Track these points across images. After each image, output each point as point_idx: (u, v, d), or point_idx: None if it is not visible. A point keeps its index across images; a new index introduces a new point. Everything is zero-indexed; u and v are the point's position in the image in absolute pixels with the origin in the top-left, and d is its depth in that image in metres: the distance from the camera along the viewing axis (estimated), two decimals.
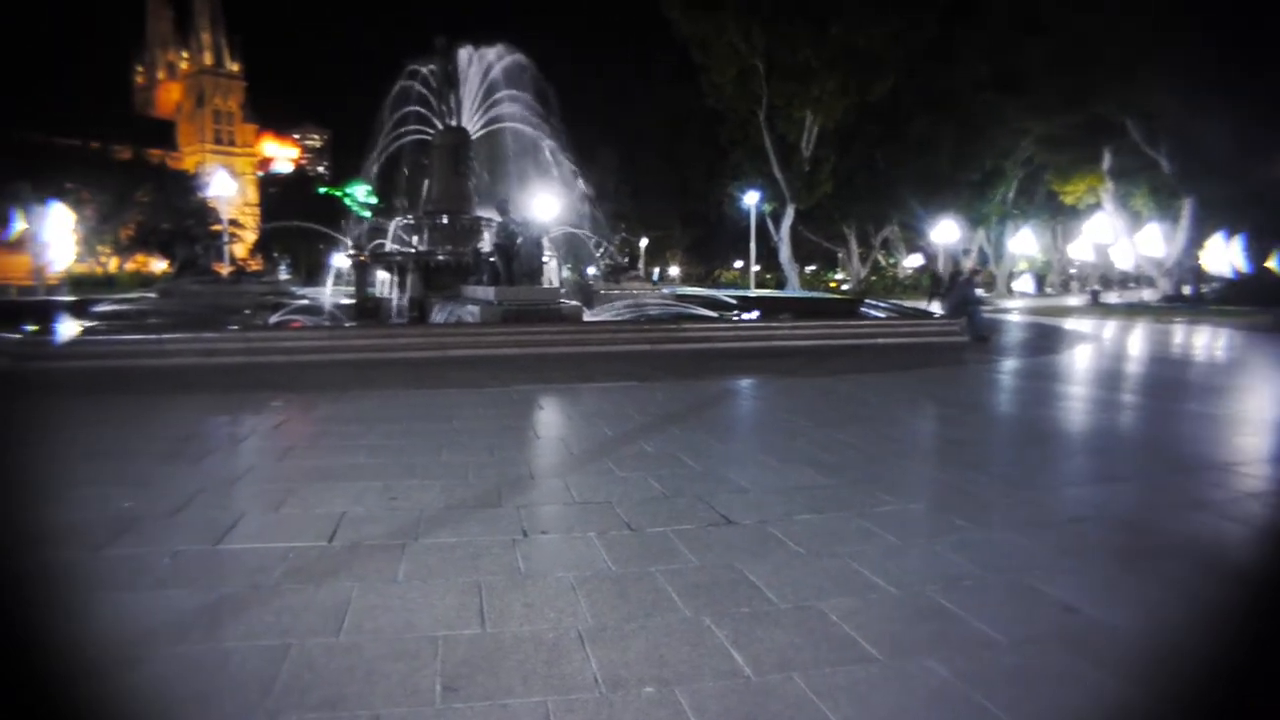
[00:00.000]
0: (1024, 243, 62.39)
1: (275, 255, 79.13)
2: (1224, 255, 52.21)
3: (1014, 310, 35.07)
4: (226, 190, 53.64)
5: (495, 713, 2.54)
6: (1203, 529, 4.50)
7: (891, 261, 73.40)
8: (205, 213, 66.42)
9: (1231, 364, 14.94)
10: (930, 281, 40.28)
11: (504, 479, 5.35)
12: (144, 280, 51.33)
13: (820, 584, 3.59)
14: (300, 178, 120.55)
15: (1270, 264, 48.18)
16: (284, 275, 63.02)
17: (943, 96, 47.50)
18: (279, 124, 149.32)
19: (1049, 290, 64.64)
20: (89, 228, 61.88)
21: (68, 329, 14.00)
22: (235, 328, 14.63)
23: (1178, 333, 22.54)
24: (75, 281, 51.33)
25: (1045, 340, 18.52)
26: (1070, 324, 25.26)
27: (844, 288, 64.36)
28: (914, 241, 65.45)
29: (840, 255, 70.10)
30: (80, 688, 2.69)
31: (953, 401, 9.71)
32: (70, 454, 6.11)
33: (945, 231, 51.55)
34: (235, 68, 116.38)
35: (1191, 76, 32.61)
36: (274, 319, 17.34)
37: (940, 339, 16.54)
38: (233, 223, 62.80)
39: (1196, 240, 44.67)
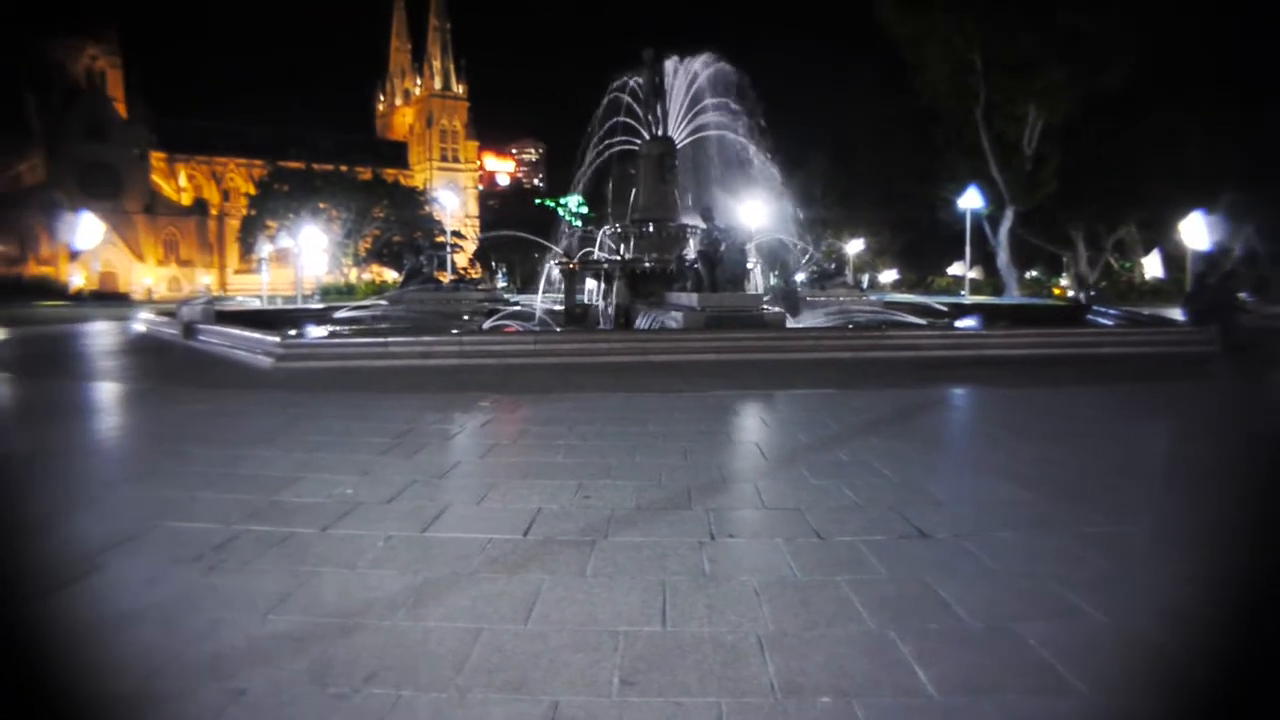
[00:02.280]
0: None
1: (493, 264, 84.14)
2: None
3: None
4: (450, 204, 57.70)
5: (669, 709, 2.58)
6: None
7: (1126, 265, 67.32)
8: (431, 225, 71.95)
9: None
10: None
11: (695, 482, 5.40)
12: (378, 288, 56.21)
13: (1017, 606, 3.38)
14: (516, 190, 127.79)
15: None
16: (500, 283, 66.96)
17: (1190, 81, 42.75)
18: (497, 140, 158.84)
19: None
20: (335, 242, 68.48)
21: (311, 334, 15.61)
22: (454, 332, 15.67)
23: None
24: (324, 290, 57.06)
25: None
26: None
27: (1070, 294, 59.69)
28: (1154, 242, 59.55)
29: (1065, 259, 65.12)
30: (304, 648, 3.00)
31: (1184, 416, 8.70)
32: (305, 443, 6.80)
33: (1193, 230, 46.27)
34: (460, 89, 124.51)
35: None
36: (488, 324, 18.42)
37: (1182, 349, 14.91)
38: (455, 234, 67.28)
39: None
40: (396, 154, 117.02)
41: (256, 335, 14.26)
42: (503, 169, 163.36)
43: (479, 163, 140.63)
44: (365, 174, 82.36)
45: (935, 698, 2.65)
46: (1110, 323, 19.04)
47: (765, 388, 10.29)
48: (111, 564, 3.90)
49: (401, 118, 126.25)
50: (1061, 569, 3.77)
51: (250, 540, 4.21)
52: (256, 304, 40.59)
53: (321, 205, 69.57)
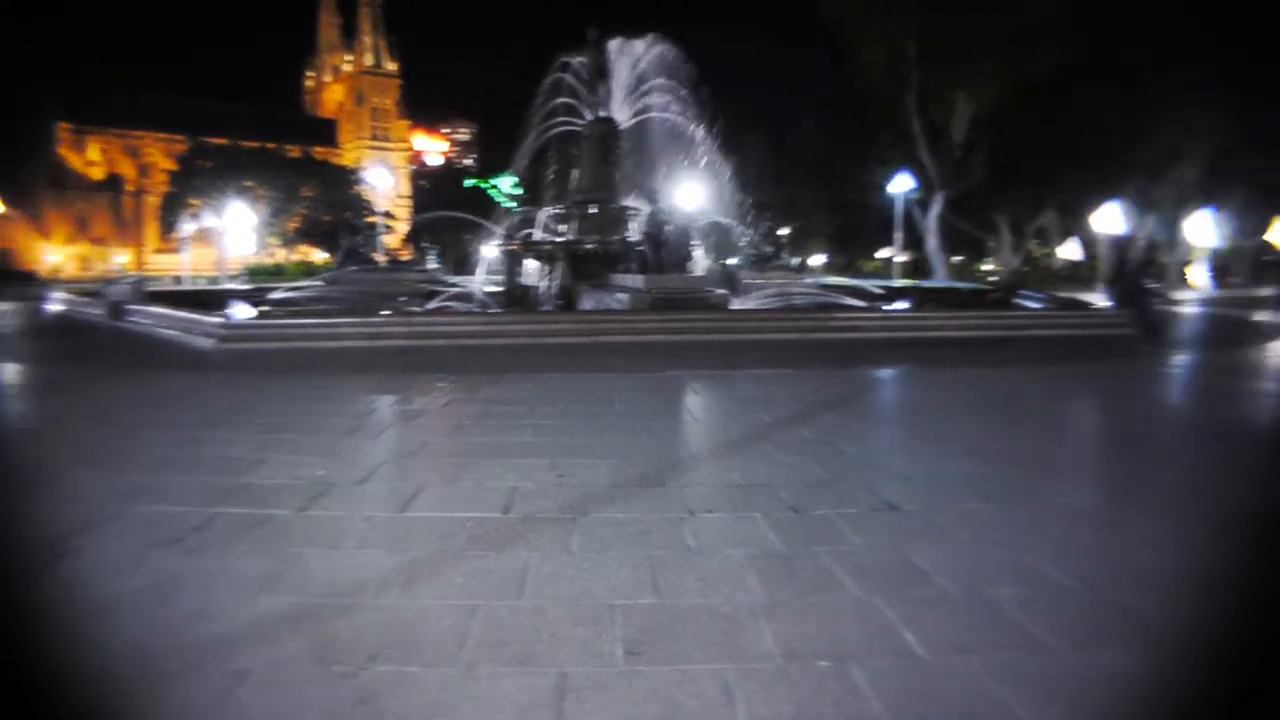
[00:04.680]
0: (1203, 229, 57.60)
1: (425, 245, 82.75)
2: None
3: (1191, 301, 32.66)
4: (382, 183, 56.50)
5: (676, 677, 2.65)
6: None
7: (1047, 250, 69.51)
8: (362, 205, 70.38)
9: None
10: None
11: (666, 460, 5.49)
12: (308, 269, 54.90)
13: (990, 572, 3.54)
14: (449, 170, 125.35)
15: None
16: (433, 265, 65.86)
17: (1111, 73, 44.27)
18: (430, 119, 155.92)
19: (1235, 279, 59.58)
20: (263, 222, 66.47)
21: (253, 315, 15.22)
22: (391, 313, 15.45)
23: None
24: (251, 271, 55.40)
25: (1226, 334, 17.19)
26: (1259, 317, 23.21)
27: (994, 278, 61.41)
28: (1072, 229, 61.68)
29: (990, 244, 66.94)
30: (299, 628, 2.99)
31: (1118, 394, 9.22)
32: (266, 425, 6.67)
33: (1109, 218, 48.22)
34: (392, 67, 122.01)
35: None
36: (429, 306, 18.19)
37: (1104, 331, 15.57)
38: (387, 214, 65.96)
39: None
40: (326, 132, 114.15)
41: (195, 315, 13.85)
42: (435, 149, 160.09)
43: (410, 142, 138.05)
44: (294, 152, 79.86)
45: (925, 658, 2.78)
46: (1037, 306, 19.70)
47: (720, 368, 10.42)
48: (85, 549, 3.81)
49: (331, 95, 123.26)
50: (1028, 538, 3.96)
51: (228, 522, 4.15)
52: (181, 284, 39.27)
53: (248, 183, 67.23)
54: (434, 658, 2.79)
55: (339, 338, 12.47)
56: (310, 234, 72.43)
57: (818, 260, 79.31)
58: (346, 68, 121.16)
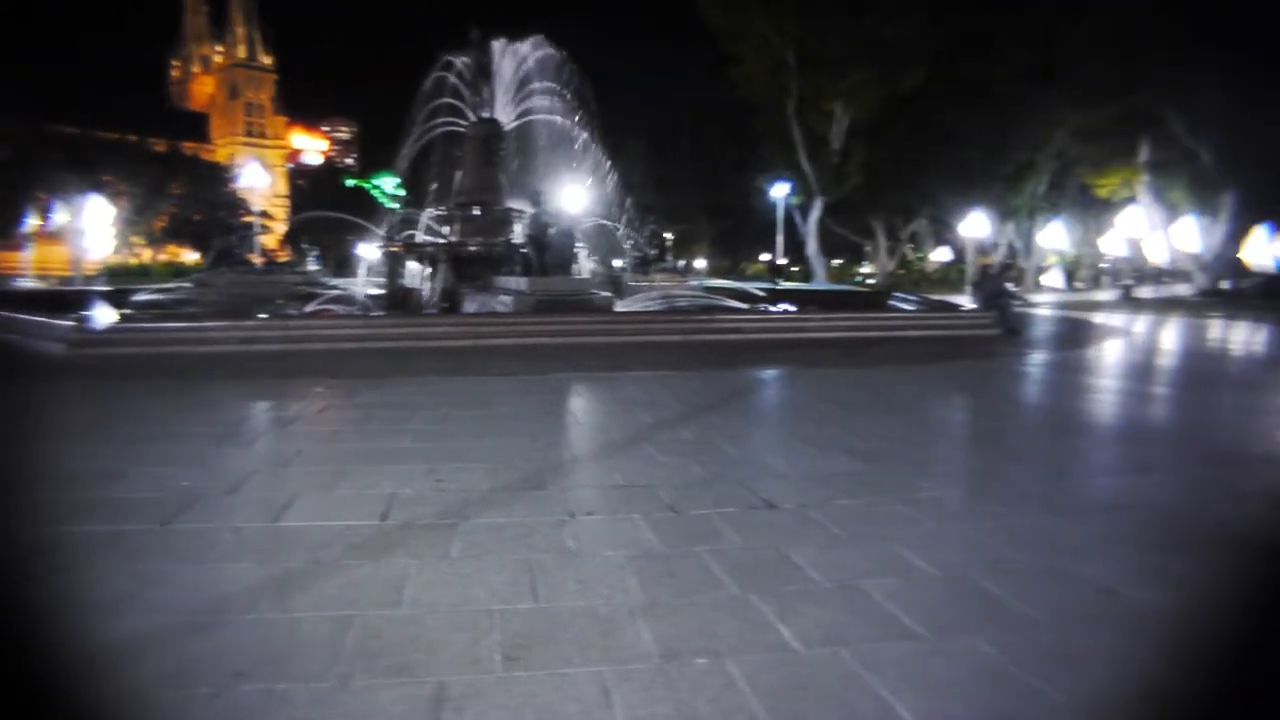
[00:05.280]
0: (1054, 237, 61.48)
1: (304, 246, 79.87)
2: (1266, 249, 51.13)
3: (1044, 304, 34.76)
4: (258, 182, 54.19)
5: (555, 681, 2.64)
6: (1236, 518, 4.55)
7: (919, 255, 72.73)
8: (237, 204, 67.27)
9: (1269, 360, 14.77)
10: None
11: (547, 463, 5.47)
12: (177, 271, 52.15)
13: (862, 565, 3.67)
14: (329, 170, 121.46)
15: None
16: (313, 266, 63.63)
17: (977, 88, 46.90)
18: (308, 116, 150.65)
19: (1079, 284, 63.75)
20: (124, 219, 62.72)
21: (112, 318, 14.31)
22: (266, 317, 14.87)
23: (1214, 328, 22.22)
24: (111, 272, 52.18)
25: (1076, 334, 18.41)
26: (1100, 318, 25.03)
27: (870, 281, 63.83)
28: (942, 235, 64.84)
29: (867, 249, 69.56)
30: (158, 651, 2.83)
31: (985, 393, 9.74)
32: (126, 435, 6.31)
33: (974, 225, 51.03)
34: (267, 60, 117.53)
35: (1239, 65, 31.95)
36: (308, 309, 17.59)
37: (971, 332, 16.45)
38: (263, 214, 63.27)
39: (1237, 234, 43.86)
40: (197, 126, 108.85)
41: (41, 319, 12.87)
42: (314, 147, 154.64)
43: (288, 140, 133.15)
44: (160, 146, 75.78)
45: (800, 651, 2.86)
46: (910, 308, 20.61)
47: (603, 370, 10.47)
48: None
49: (201, 87, 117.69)
50: (897, 530, 4.13)
51: (78, 541, 3.89)
52: (27, 284, 36.52)
53: (106, 178, 63.05)
54: (306, 673, 2.69)
55: (209, 342, 11.89)
56: (180, 233, 68.79)
57: (702, 263, 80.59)
58: (217, 59, 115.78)
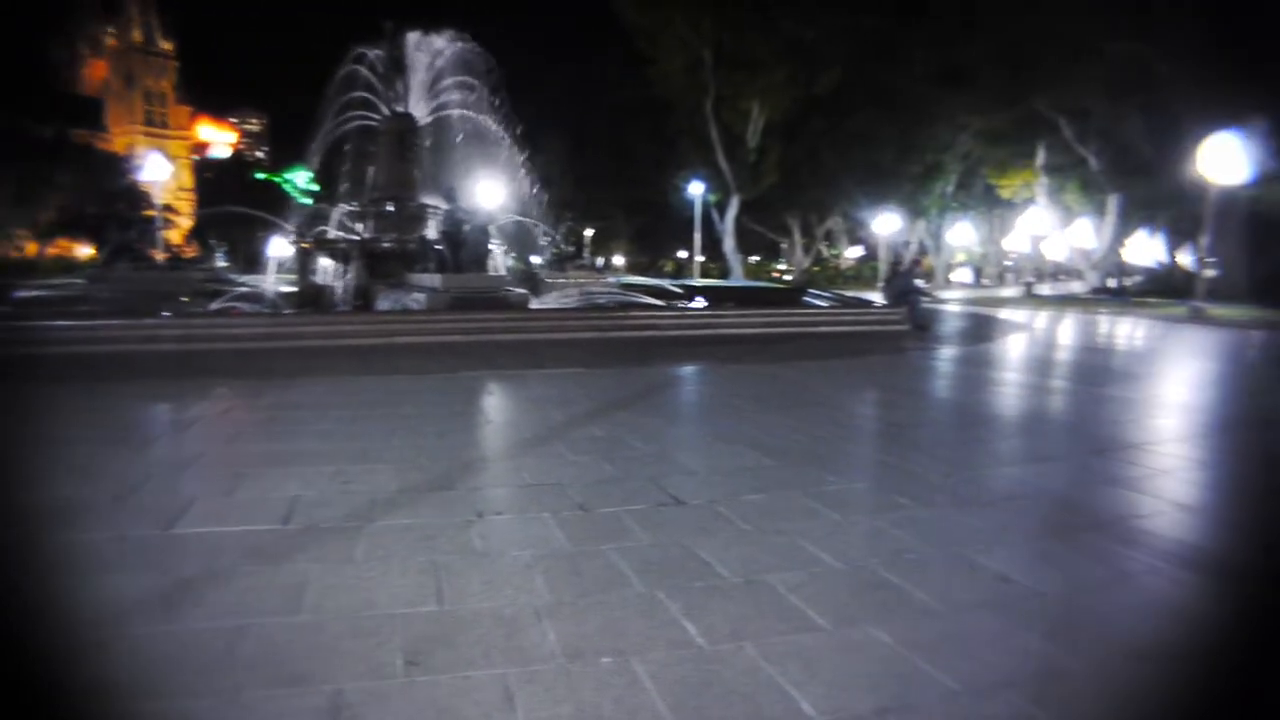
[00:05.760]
0: (962, 235, 63.63)
1: (212, 242, 76.93)
2: (1148, 249, 54.21)
3: (952, 301, 35.96)
4: (159, 174, 51.91)
5: (458, 684, 2.61)
6: (1117, 503, 4.78)
7: (834, 252, 74.33)
8: (136, 197, 64.13)
9: (1148, 352, 15.60)
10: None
11: (456, 463, 5.40)
12: (67, 266, 49.56)
13: (768, 559, 3.73)
14: (238, 163, 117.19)
15: (1182, 259, 50.21)
16: (221, 262, 61.36)
17: (888, 91, 48.25)
18: (215, 107, 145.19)
19: (986, 281, 66.14)
20: (5, 210, 59.19)
21: None
22: (169, 315, 14.29)
23: (1103, 323, 23.34)
24: None
25: (981, 329, 19.10)
26: (1004, 314, 26.04)
27: (787, 278, 64.96)
28: (856, 233, 66.50)
29: (784, 246, 70.81)
30: (37, 670, 2.70)
31: (892, 387, 9.99)
32: (9, 439, 5.98)
33: (886, 223, 52.54)
34: (167, 46, 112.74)
35: (1118, 80, 34.14)
36: (214, 306, 16.99)
37: (881, 328, 16.91)
38: (166, 208, 60.66)
39: (1121, 235, 46.24)
40: (90, 113, 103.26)
41: None
42: (222, 139, 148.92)
43: (194, 131, 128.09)
44: (45, 131, 71.32)
45: (705, 647, 2.89)
46: (824, 304, 21.03)
47: (516, 368, 10.39)
48: None
49: (93, 71, 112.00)
50: (803, 524, 4.21)
51: None
52: None
53: None
54: (195, 687, 2.59)
55: (103, 341, 11.32)
56: (72, 226, 65.13)
57: (620, 260, 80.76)
58: (110, 42, 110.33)
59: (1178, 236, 50.03)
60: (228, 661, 2.73)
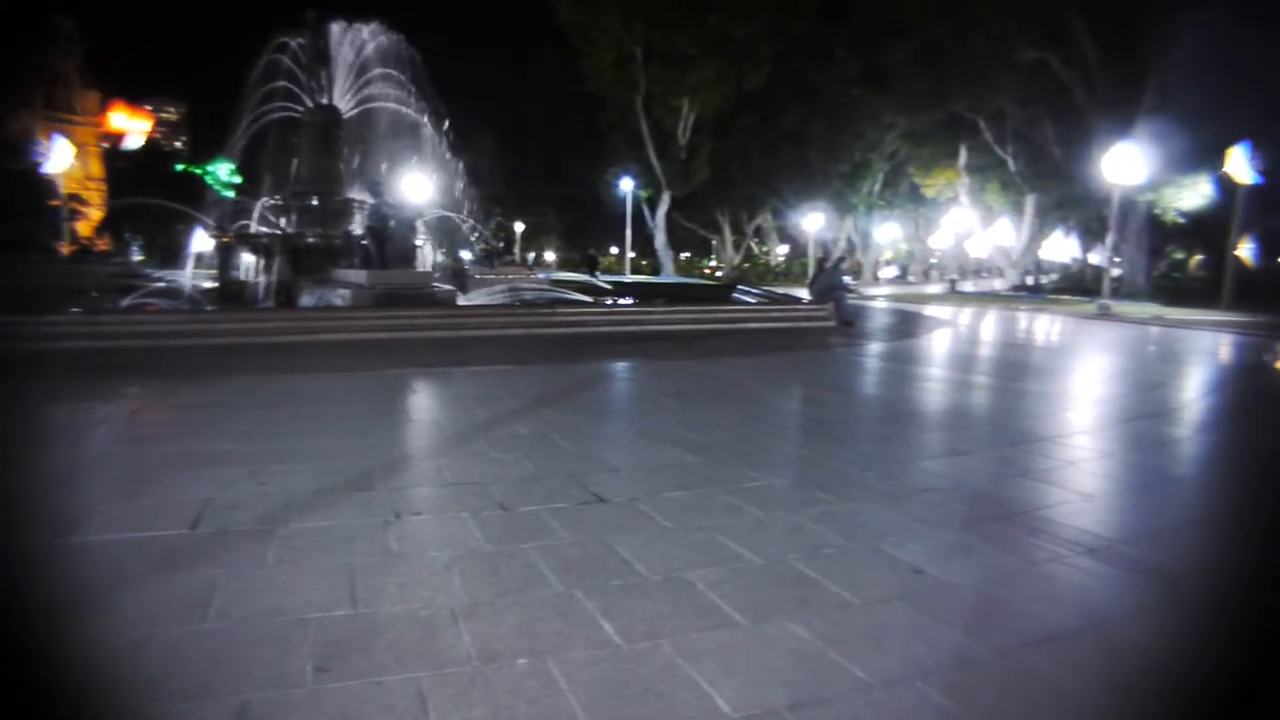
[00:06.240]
0: (889, 233, 65.09)
1: (127, 235, 73.95)
2: (1064, 248, 56.33)
3: (879, 297, 36.77)
4: (62, 161, 49.54)
5: (369, 690, 2.56)
6: (1028, 495, 4.95)
7: (764, 249, 75.25)
8: (38, 185, 61.11)
9: (1060, 348, 16.18)
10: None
11: (376, 462, 5.30)
12: None
13: (688, 556, 3.75)
14: (155, 153, 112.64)
15: (1094, 258, 52.47)
16: (135, 256, 59.05)
17: (816, 90, 49.13)
18: (130, 93, 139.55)
19: (912, 278, 67.81)
20: None
21: None
22: (78, 310, 13.72)
23: (1021, 319, 24.19)
24: None
25: (905, 325, 19.55)
26: (929, 310, 26.74)
27: (718, 274, 65.55)
28: (786, 230, 67.44)
29: (715, 242, 71.43)
30: None
31: (817, 383, 10.13)
32: None
33: (815, 220, 53.50)
34: (68, 24, 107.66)
35: (1027, 86, 35.65)
36: (126, 302, 16.35)
37: (808, 324, 17.17)
38: (73, 198, 58.05)
39: (1039, 234, 47.95)
40: None
41: None
42: (137, 127, 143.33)
43: (105, 117, 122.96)
44: None
45: (622, 646, 2.88)
46: (753, 300, 21.27)
47: (441, 365, 10.27)
48: None
49: None
50: (724, 521, 4.25)
51: None
52: None
53: None
54: (91, 704, 2.49)
55: None
56: None
57: (552, 256, 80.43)
58: None
59: (1089, 237, 52.32)
60: (126, 676, 2.64)
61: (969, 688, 2.67)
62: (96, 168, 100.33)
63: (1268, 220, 32.02)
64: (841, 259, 21.70)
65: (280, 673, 2.65)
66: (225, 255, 19.21)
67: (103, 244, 62.05)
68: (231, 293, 18.16)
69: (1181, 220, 34.99)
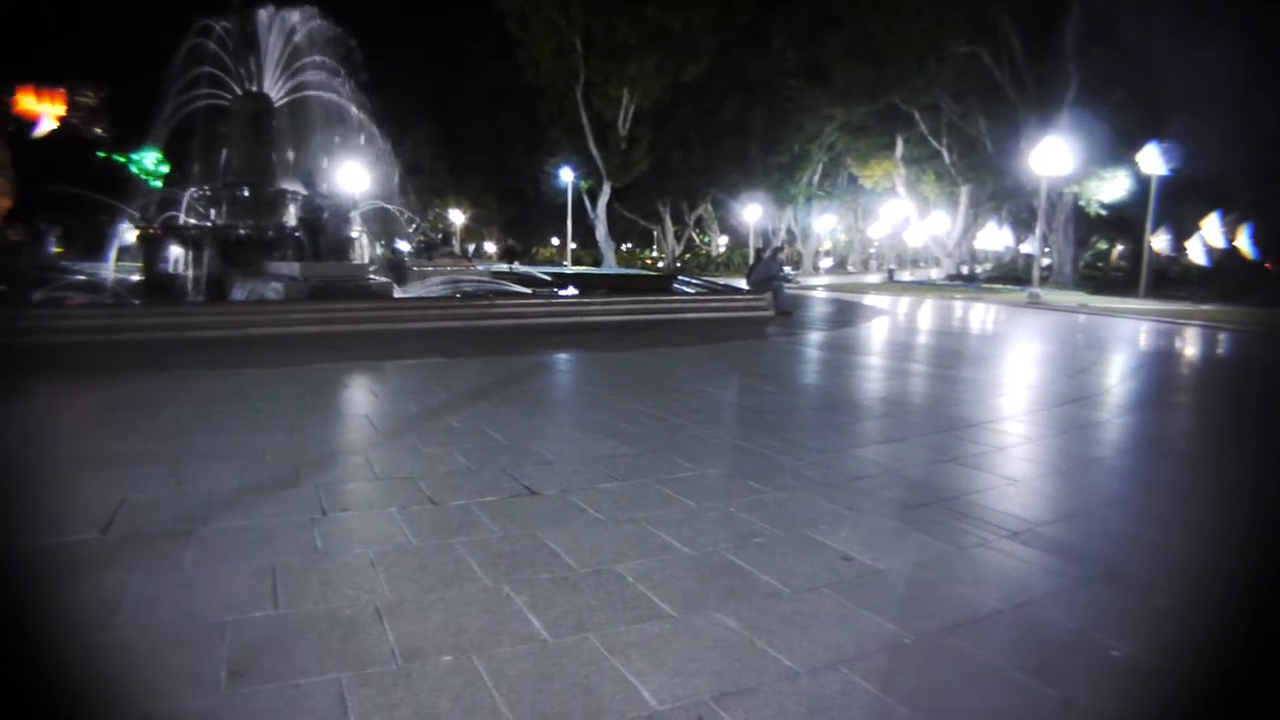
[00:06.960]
0: (828, 223, 65.92)
1: (42, 226, 71.04)
2: (998, 238, 57.77)
3: (818, 287, 37.21)
4: None
5: (286, 694, 2.48)
6: (956, 480, 5.04)
7: (705, 240, 75.61)
8: None
9: (993, 336, 16.59)
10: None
11: (303, 458, 5.17)
12: None
13: (618, 548, 3.73)
14: (73, 139, 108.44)
15: (1026, 248, 54.00)
16: (52, 248, 56.79)
17: (755, 81, 49.48)
18: (43, 76, 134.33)
19: (851, 268, 68.84)
20: None
21: None
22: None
23: (956, 308, 24.74)
24: None
25: (842, 315, 19.82)
26: (867, 300, 27.19)
27: (659, 265, 65.71)
28: (727, 220, 67.88)
29: (656, 233, 71.51)
30: None
31: (753, 373, 10.21)
32: None
33: (755, 211, 53.92)
34: None
35: (959, 79, 36.52)
36: (38, 296, 15.70)
37: (746, 314, 17.30)
38: None
39: (973, 225, 49.10)
40: None
41: None
42: (50, 112, 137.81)
43: (14, 100, 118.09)
44: None
45: (549, 641, 2.85)
46: (692, 290, 21.34)
47: (373, 359, 10.09)
48: None
49: None
50: (655, 512, 4.24)
51: None
52: None
53: None
54: None
55: None
56: None
57: (492, 247, 79.75)
58: None
59: (1021, 227, 53.74)
60: (16, 699, 2.49)
61: (892, 672, 2.70)
62: (3, 153, 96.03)
63: (1180, 212, 33.37)
64: (779, 249, 21.93)
65: (192, 679, 2.55)
66: (152, 247, 18.57)
67: (14, 234, 59.36)
68: (160, 286, 17.58)
69: (1104, 212, 36.12)
